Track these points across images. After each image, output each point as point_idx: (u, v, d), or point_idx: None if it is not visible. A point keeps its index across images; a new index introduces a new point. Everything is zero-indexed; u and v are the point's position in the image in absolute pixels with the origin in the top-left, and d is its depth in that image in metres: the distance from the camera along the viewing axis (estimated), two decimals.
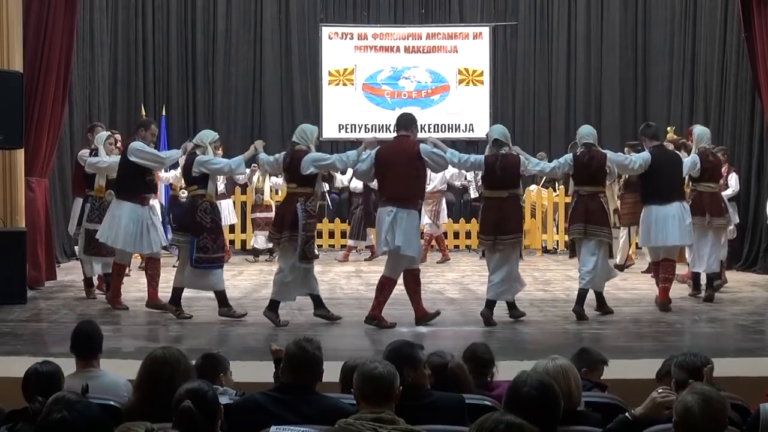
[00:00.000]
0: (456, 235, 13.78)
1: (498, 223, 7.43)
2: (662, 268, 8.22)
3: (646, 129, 8.57)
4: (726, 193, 10.76)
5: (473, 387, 4.16)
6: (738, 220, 11.01)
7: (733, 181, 10.87)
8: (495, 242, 7.44)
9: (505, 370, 4.43)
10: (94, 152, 8.65)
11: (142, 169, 7.97)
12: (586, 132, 7.98)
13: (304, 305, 8.07)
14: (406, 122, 7.52)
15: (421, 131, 14.07)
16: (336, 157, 7.66)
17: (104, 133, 8.86)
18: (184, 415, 3.06)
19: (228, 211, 11.75)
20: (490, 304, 7.50)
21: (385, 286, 7.34)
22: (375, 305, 7.34)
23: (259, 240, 11.98)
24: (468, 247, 13.71)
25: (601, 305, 7.87)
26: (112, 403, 3.74)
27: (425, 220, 12.04)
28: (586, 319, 7.60)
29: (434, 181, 11.64)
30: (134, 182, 7.99)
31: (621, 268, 10.53)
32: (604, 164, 7.77)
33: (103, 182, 8.53)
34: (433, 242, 12.44)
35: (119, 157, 8.26)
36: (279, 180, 11.23)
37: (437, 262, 12.07)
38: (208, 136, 7.89)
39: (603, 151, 8.00)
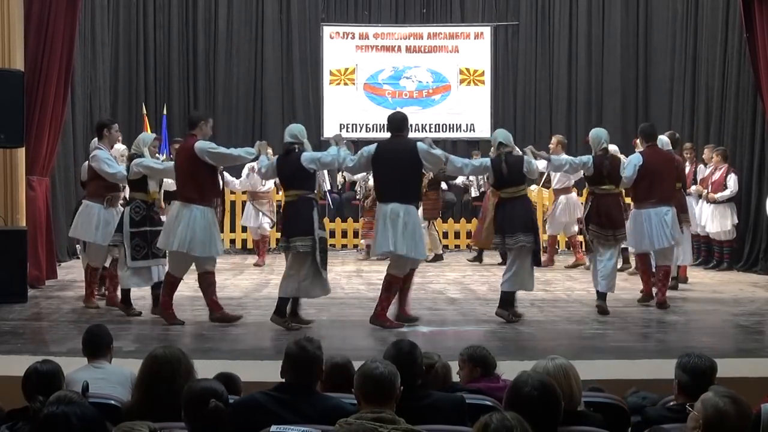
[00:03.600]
0: (457, 235, 13.78)
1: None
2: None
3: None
4: (723, 194, 10.86)
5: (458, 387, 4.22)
6: (737, 221, 11.05)
7: (732, 182, 10.91)
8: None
9: (506, 370, 4.42)
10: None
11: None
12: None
13: (304, 304, 8.07)
14: (653, 131, 8.69)
15: (422, 131, 14.44)
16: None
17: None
18: (214, 414, 3.09)
19: None
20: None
21: (668, 275, 8.58)
22: (664, 292, 8.38)
23: None
24: (469, 247, 13.69)
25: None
26: (112, 402, 3.75)
27: (265, 220, 11.71)
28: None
29: (267, 185, 11.45)
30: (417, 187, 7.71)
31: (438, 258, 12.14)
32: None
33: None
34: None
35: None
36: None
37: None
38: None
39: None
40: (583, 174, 8.48)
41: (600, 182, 8.06)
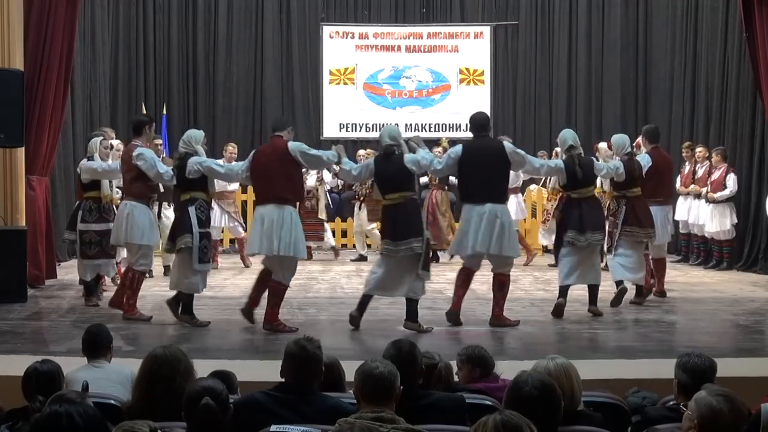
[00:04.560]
0: None
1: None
2: None
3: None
4: (723, 194, 10.87)
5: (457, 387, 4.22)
6: (736, 221, 11.05)
7: (731, 182, 10.91)
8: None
9: (506, 370, 4.42)
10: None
11: None
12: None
13: (304, 304, 8.07)
14: (657, 133, 9.07)
15: (422, 131, 14.43)
16: None
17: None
18: (205, 412, 3.07)
19: None
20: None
21: (665, 266, 9.07)
22: (663, 281, 8.94)
23: None
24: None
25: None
26: (112, 402, 3.75)
27: (237, 224, 11.54)
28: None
29: (233, 185, 11.15)
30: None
31: None
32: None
33: None
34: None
35: None
36: None
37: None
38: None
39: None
40: (611, 179, 8.39)
41: (632, 185, 8.23)
